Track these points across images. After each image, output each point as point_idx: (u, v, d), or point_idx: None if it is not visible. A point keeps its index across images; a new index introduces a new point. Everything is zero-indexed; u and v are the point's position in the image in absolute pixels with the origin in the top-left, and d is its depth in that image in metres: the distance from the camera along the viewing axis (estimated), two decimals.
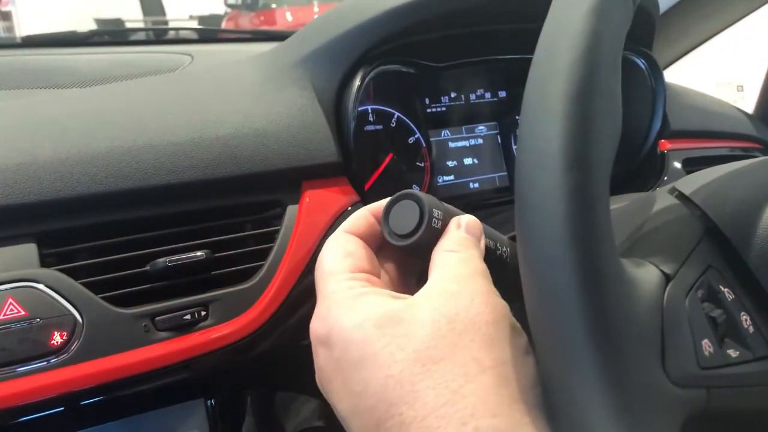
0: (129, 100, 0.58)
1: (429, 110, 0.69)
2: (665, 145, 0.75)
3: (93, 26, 4.71)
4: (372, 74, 0.60)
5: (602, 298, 0.27)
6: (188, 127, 0.53)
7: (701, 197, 0.38)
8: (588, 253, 0.27)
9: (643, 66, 0.73)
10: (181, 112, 0.55)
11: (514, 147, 0.71)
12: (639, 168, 0.75)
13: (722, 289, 0.34)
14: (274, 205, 0.54)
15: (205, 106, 0.56)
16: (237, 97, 0.58)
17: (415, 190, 0.36)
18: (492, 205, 0.69)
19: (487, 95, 0.72)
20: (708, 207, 0.37)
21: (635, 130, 0.74)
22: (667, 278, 0.33)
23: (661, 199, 0.40)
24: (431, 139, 0.68)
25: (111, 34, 1.23)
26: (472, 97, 0.71)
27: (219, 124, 0.54)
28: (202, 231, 0.51)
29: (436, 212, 0.35)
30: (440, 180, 0.68)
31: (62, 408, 0.45)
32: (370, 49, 0.59)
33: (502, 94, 0.72)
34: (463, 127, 0.70)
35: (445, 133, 0.69)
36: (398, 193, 0.36)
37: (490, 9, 0.63)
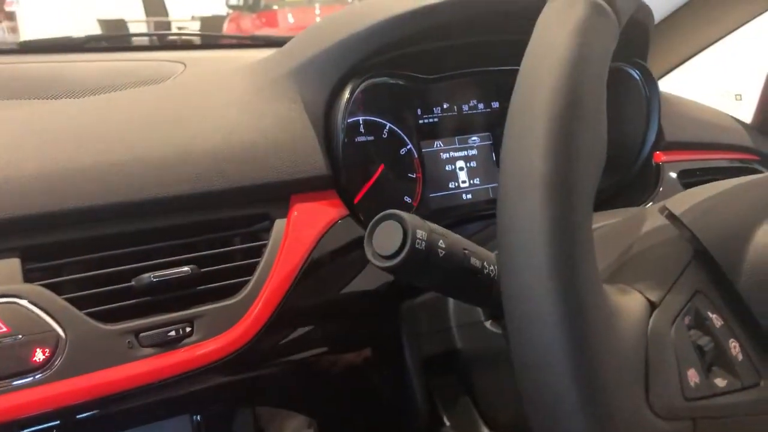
0: (117, 113, 0.57)
1: (421, 121, 0.68)
2: (660, 156, 0.74)
3: (96, 26, 4.73)
4: (361, 87, 0.59)
5: (584, 329, 0.27)
6: (176, 140, 0.52)
7: (691, 218, 0.37)
8: (569, 283, 0.27)
9: (637, 77, 0.72)
10: (169, 125, 0.54)
11: None
12: (634, 180, 0.74)
13: (710, 315, 0.33)
14: (262, 218, 0.54)
15: (193, 119, 0.56)
16: (225, 110, 0.58)
17: (400, 210, 0.35)
18: (485, 217, 0.68)
19: (480, 106, 0.71)
20: (697, 228, 0.36)
21: (630, 141, 0.74)
22: (653, 306, 0.32)
23: (651, 218, 0.40)
24: (423, 151, 0.67)
25: (107, 39, 1.22)
26: (465, 108, 0.70)
27: (206, 137, 0.53)
28: (189, 245, 0.51)
29: (420, 233, 0.34)
30: (433, 191, 0.68)
31: (43, 425, 0.44)
32: (359, 61, 0.59)
33: (495, 105, 0.72)
34: (456, 138, 0.70)
35: (438, 144, 0.69)
36: (382, 213, 0.35)
37: (479, 21, 0.63)
